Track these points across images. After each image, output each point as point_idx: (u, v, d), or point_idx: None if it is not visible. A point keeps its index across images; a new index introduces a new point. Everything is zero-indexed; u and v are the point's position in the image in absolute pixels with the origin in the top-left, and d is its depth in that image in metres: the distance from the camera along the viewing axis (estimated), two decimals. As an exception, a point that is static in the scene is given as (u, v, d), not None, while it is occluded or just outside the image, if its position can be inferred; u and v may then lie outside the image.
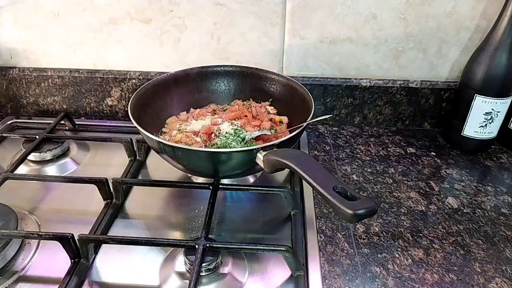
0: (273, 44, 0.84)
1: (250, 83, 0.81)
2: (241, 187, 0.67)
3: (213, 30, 0.83)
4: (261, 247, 0.54)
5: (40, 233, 0.58)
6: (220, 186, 0.64)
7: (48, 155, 0.76)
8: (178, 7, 0.81)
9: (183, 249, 0.55)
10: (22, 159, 0.71)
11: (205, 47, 0.85)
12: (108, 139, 0.78)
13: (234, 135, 0.68)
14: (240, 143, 0.67)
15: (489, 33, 0.73)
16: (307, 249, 0.57)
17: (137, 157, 0.77)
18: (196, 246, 0.53)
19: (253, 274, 0.55)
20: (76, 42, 0.86)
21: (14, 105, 0.93)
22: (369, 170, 0.75)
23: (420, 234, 0.61)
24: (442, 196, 0.69)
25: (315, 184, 0.45)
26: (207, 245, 0.53)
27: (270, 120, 0.75)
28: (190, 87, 0.80)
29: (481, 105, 0.75)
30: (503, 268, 0.56)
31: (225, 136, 0.68)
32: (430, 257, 0.57)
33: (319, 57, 0.84)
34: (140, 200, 0.68)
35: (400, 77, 0.86)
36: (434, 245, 0.59)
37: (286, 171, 0.73)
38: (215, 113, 0.78)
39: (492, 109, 0.75)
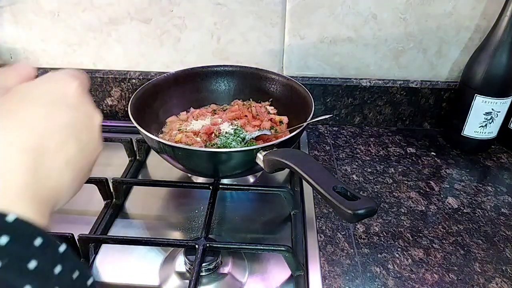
0: (273, 44, 0.84)
1: (250, 83, 0.81)
2: (241, 187, 0.67)
3: (213, 30, 0.83)
4: (261, 247, 0.54)
5: (40, 233, 0.58)
6: (220, 186, 0.64)
7: (48, 155, 0.76)
8: (178, 7, 0.81)
9: (183, 249, 0.55)
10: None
11: (205, 47, 0.85)
12: (108, 139, 0.78)
13: (234, 135, 0.68)
14: (240, 143, 0.67)
15: (489, 33, 0.73)
16: (307, 249, 0.57)
17: (137, 157, 0.77)
18: (196, 246, 0.53)
19: (253, 274, 0.55)
20: (76, 42, 0.86)
21: (14, 105, 0.93)
22: (369, 170, 0.75)
23: (420, 234, 0.61)
24: (442, 196, 0.69)
25: (315, 184, 0.45)
26: (207, 245, 0.53)
27: (270, 120, 0.75)
28: (190, 87, 0.80)
29: (481, 105, 0.75)
30: (503, 268, 0.56)
31: (225, 136, 0.67)
32: (430, 257, 0.57)
33: (319, 57, 0.84)
34: (140, 200, 0.68)
35: (400, 77, 0.86)
36: (434, 245, 0.59)
37: (286, 171, 0.73)
38: (215, 113, 0.78)
39: (492, 109, 0.75)
